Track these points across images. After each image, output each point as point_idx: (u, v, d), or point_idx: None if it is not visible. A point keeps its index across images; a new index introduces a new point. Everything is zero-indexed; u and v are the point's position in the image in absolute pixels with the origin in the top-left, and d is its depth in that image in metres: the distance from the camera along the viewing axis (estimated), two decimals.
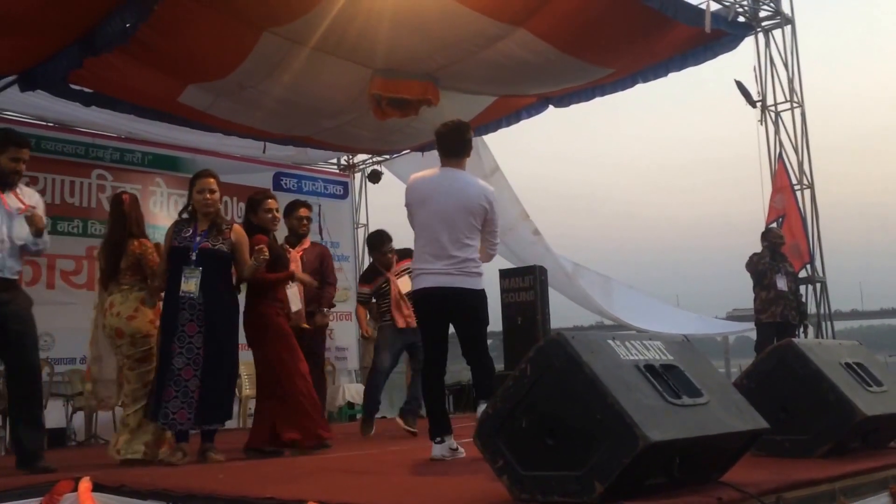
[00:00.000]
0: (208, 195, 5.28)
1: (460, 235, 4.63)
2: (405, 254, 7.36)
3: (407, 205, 4.83)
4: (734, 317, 17.71)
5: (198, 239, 5.22)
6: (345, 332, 11.87)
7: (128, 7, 6.74)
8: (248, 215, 5.99)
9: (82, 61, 7.36)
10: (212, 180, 5.33)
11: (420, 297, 4.73)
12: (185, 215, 5.39)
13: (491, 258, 4.95)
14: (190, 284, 5.12)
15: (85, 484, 3.92)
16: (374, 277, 7.32)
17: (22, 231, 4.72)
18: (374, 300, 7.43)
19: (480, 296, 4.75)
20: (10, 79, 8.08)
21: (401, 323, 7.13)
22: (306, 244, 6.82)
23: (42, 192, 9.24)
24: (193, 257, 5.17)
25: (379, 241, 7.40)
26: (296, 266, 6.39)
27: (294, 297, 6.10)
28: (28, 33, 6.94)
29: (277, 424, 5.45)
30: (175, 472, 4.57)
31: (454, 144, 4.93)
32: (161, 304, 5.28)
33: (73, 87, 8.23)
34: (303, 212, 6.79)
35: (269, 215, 5.89)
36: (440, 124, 4.96)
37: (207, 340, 5.12)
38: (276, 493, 3.26)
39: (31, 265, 8.90)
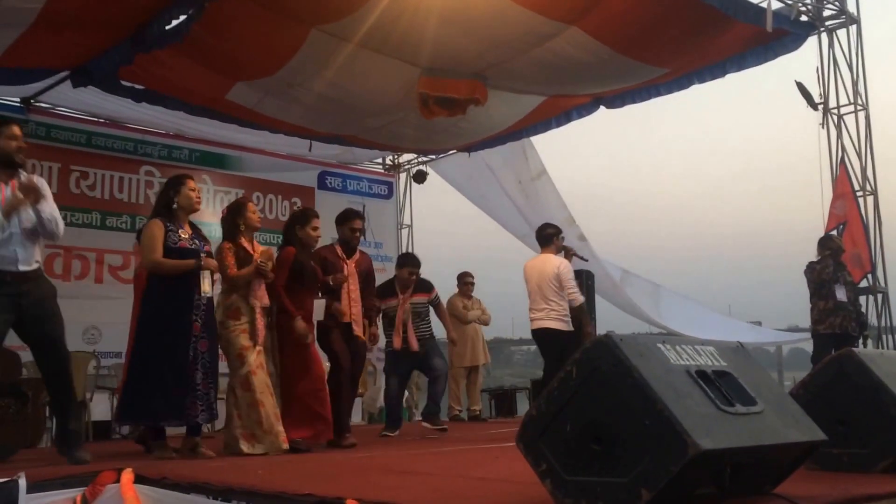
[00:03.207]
0: (198, 195, 5.53)
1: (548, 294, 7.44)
2: (423, 286, 7.62)
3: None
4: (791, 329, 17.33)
5: (199, 241, 5.41)
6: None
7: (179, 4, 6.78)
8: (294, 226, 6.19)
9: (133, 57, 7.42)
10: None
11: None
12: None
13: (576, 301, 7.58)
14: (206, 285, 5.33)
15: (127, 475, 3.95)
16: (388, 298, 7.48)
17: (28, 219, 4.68)
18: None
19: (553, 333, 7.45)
20: (63, 74, 8.18)
21: (397, 344, 7.41)
22: (357, 255, 6.77)
23: (91, 188, 9.44)
24: (204, 258, 5.37)
25: (408, 263, 7.67)
26: (353, 278, 6.52)
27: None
28: (81, 29, 7.01)
29: (284, 425, 5.66)
30: (214, 466, 4.59)
31: (539, 239, 7.83)
32: (158, 302, 5.29)
33: (124, 83, 8.31)
34: (357, 223, 6.75)
35: (315, 233, 6.16)
36: None
37: (209, 340, 5.30)
38: (315, 489, 3.22)
39: (79, 259, 9.03)
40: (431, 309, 7.69)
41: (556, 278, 7.43)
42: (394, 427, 7.41)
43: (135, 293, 5.70)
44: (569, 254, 7.90)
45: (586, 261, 8.11)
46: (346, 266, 6.50)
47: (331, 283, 6.28)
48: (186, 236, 5.35)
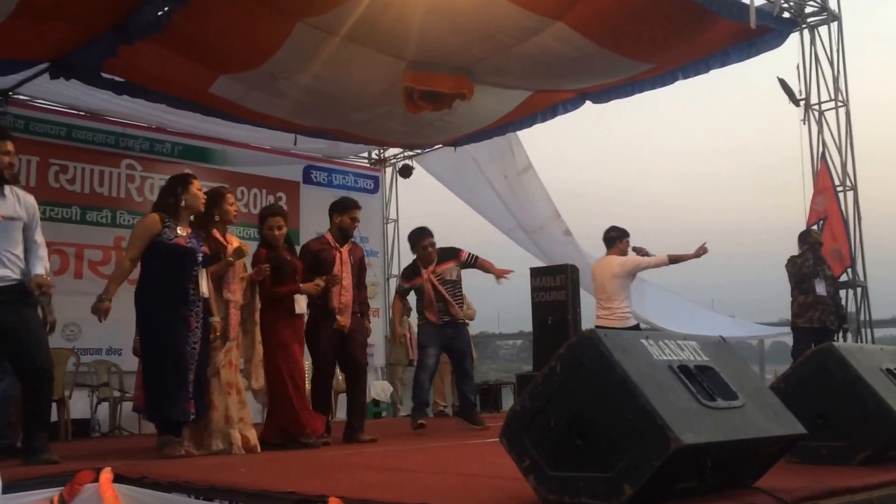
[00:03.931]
0: (203, 196, 5.47)
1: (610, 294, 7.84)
2: (448, 254, 7.47)
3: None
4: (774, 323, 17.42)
5: (196, 241, 5.34)
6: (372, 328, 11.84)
7: None
8: (259, 226, 6.21)
9: (116, 49, 7.34)
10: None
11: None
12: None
13: (661, 261, 7.82)
14: (203, 285, 5.28)
15: (106, 475, 3.92)
16: (414, 277, 7.43)
17: (9, 238, 4.68)
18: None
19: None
20: (43, 66, 8.08)
21: (433, 318, 7.30)
22: (349, 244, 6.62)
23: (71, 182, 9.36)
24: (200, 258, 5.32)
25: (417, 237, 7.48)
26: (345, 267, 6.42)
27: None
28: (62, 19, 6.93)
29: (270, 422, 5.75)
30: (195, 464, 4.56)
31: (604, 241, 7.98)
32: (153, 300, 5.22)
33: (105, 75, 8.22)
34: (356, 213, 6.59)
35: (272, 232, 6.07)
36: None
37: (202, 339, 5.25)
38: (298, 487, 3.22)
39: (58, 255, 8.95)
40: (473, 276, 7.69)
41: (614, 277, 7.74)
42: (421, 413, 7.33)
43: None
44: (642, 254, 7.97)
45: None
46: (338, 255, 6.38)
47: (324, 284, 6.17)
48: (185, 234, 5.27)
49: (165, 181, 5.69)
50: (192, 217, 5.40)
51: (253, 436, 5.53)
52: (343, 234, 6.50)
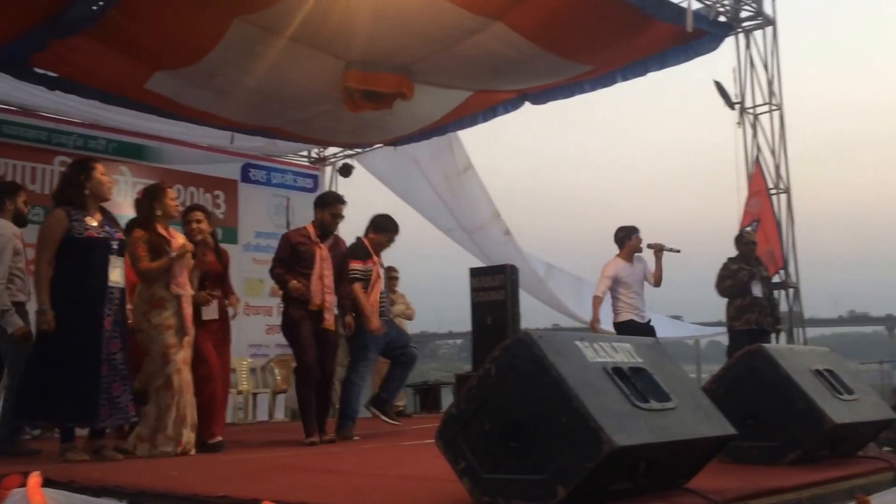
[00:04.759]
0: (110, 181, 5.32)
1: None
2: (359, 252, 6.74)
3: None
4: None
5: (110, 229, 5.13)
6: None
7: None
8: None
9: (47, 44, 7.17)
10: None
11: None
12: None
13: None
14: (116, 274, 5.06)
15: (34, 479, 3.80)
16: (368, 259, 6.60)
17: None
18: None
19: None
20: None
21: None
22: (331, 239, 6.41)
23: (2, 176, 9.09)
24: (115, 246, 5.10)
25: (390, 227, 6.85)
26: (326, 263, 6.17)
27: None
28: None
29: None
30: (126, 468, 4.45)
31: (615, 242, 8.06)
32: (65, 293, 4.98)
33: (36, 70, 8.02)
34: (339, 209, 6.34)
35: (188, 227, 5.93)
36: None
37: (120, 338, 5.07)
38: (230, 491, 3.17)
39: None
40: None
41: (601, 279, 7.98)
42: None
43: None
44: (658, 251, 8.00)
45: (678, 251, 8.10)
46: (318, 250, 6.17)
47: (290, 292, 6.04)
48: (96, 223, 5.05)
49: (64, 169, 5.44)
50: (99, 204, 5.17)
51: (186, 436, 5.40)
52: (323, 230, 6.30)
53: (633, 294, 7.93)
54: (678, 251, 8.07)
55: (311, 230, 6.29)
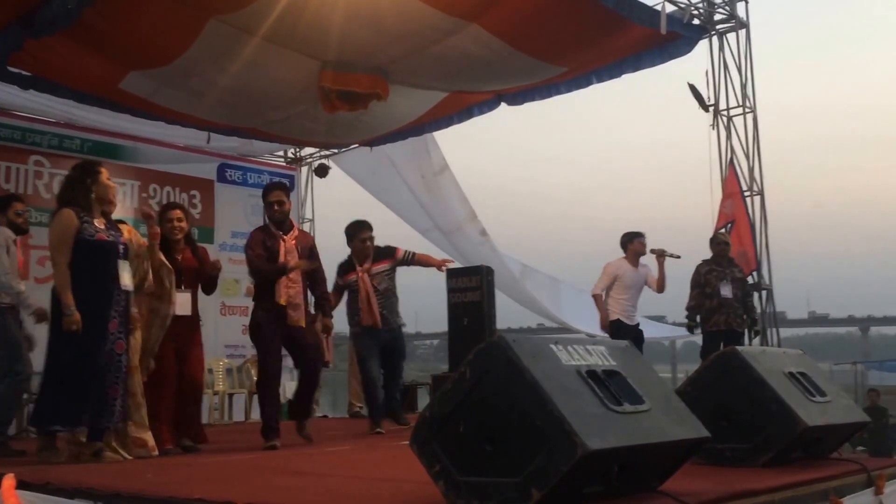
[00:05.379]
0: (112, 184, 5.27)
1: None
2: (384, 253, 7.05)
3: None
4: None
5: (115, 233, 5.12)
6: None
7: None
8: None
9: (22, 43, 7.07)
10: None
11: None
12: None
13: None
14: (125, 278, 5.06)
15: (9, 481, 3.76)
16: (348, 273, 6.90)
17: None
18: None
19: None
20: None
21: (368, 321, 6.80)
22: (295, 231, 6.30)
23: None
24: (122, 250, 5.10)
25: (355, 229, 6.97)
26: (291, 256, 6.03)
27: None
28: None
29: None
30: (101, 470, 4.44)
31: (620, 246, 8.21)
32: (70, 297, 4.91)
33: (10, 69, 7.94)
34: (277, 196, 6.16)
35: (169, 224, 5.86)
36: None
37: (125, 340, 5.06)
38: (205, 493, 3.19)
39: None
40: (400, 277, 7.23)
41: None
42: (380, 420, 6.88)
43: None
44: (660, 256, 8.04)
45: (678, 257, 8.14)
46: (283, 243, 6.00)
47: (245, 294, 6.06)
48: (102, 227, 5.03)
49: (68, 171, 5.32)
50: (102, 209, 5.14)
51: (150, 438, 5.35)
52: (273, 221, 6.15)
53: (626, 296, 8.06)
54: (678, 257, 8.18)
55: (271, 225, 6.16)
